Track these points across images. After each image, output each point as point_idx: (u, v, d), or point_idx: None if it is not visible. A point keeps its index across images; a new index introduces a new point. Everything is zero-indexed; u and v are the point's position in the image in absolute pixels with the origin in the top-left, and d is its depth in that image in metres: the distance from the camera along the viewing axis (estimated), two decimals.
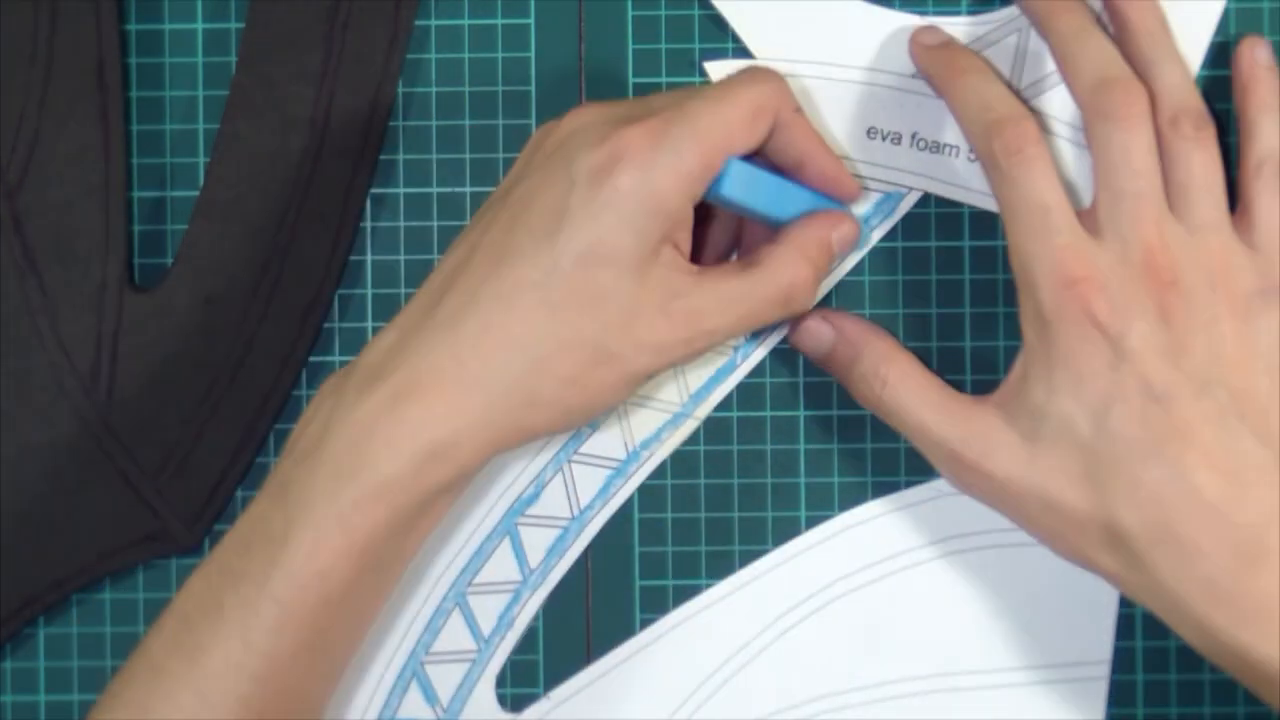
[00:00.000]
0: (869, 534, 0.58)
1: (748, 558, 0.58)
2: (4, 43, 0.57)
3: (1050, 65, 0.56)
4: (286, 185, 0.57)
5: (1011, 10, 0.57)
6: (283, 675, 0.50)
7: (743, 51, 0.57)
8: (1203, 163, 0.52)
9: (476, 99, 0.58)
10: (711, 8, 0.57)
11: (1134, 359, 0.51)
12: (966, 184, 0.57)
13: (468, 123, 0.58)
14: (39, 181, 0.57)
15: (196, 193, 0.57)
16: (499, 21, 0.58)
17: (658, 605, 0.58)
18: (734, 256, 0.57)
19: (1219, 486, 0.50)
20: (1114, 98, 0.52)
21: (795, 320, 0.56)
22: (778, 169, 0.54)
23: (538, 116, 0.58)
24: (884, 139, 0.57)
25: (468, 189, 0.58)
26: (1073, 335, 0.51)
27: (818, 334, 0.56)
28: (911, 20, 0.57)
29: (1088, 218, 0.52)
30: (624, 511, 0.58)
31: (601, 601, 0.58)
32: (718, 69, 0.57)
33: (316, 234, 0.57)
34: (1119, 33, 0.55)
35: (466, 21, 0.58)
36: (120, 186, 0.57)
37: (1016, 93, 0.55)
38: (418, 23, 0.57)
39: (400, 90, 0.57)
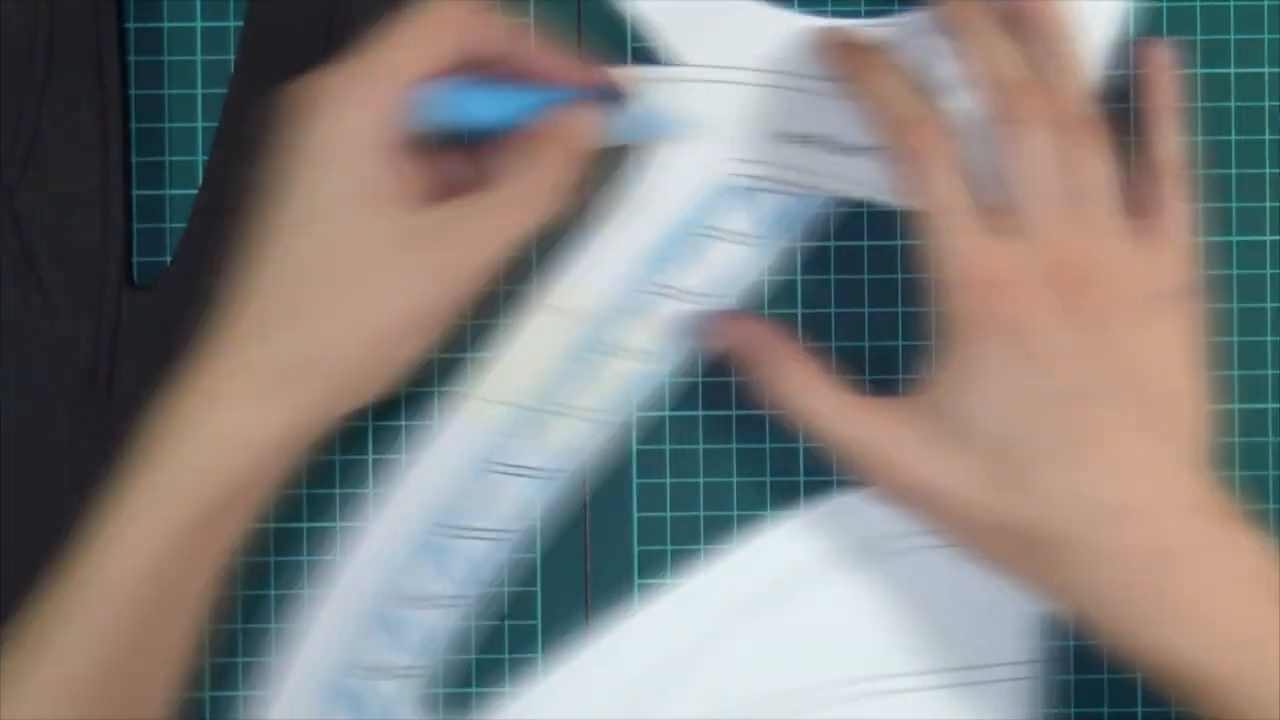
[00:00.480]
0: (798, 541, 0.57)
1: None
2: (3, 41, 0.57)
3: (958, 66, 0.55)
4: None
5: (920, 12, 0.56)
6: (100, 679, 0.50)
7: (660, 59, 0.57)
8: (1094, 166, 0.52)
9: None
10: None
11: (1044, 360, 0.50)
12: (877, 185, 0.56)
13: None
14: (38, 180, 0.57)
15: (195, 191, 0.57)
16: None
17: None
18: None
19: (1124, 488, 0.50)
20: (1018, 100, 0.52)
21: (699, 319, 0.57)
22: (512, 82, 0.53)
23: None
24: (795, 142, 0.57)
25: None
26: (982, 336, 0.51)
27: (720, 335, 0.56)
28: (820, 23, 0.57)
29: (995, 218, 0.52)
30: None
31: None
32: (642, 74, 0.57)
33: None
34: (1016, 34, 0.54)
35: None
36: (119, 185, 0.57)
37: (925, 92, 0.55)
38: None
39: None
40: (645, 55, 0.58)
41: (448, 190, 0.53)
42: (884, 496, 0.54)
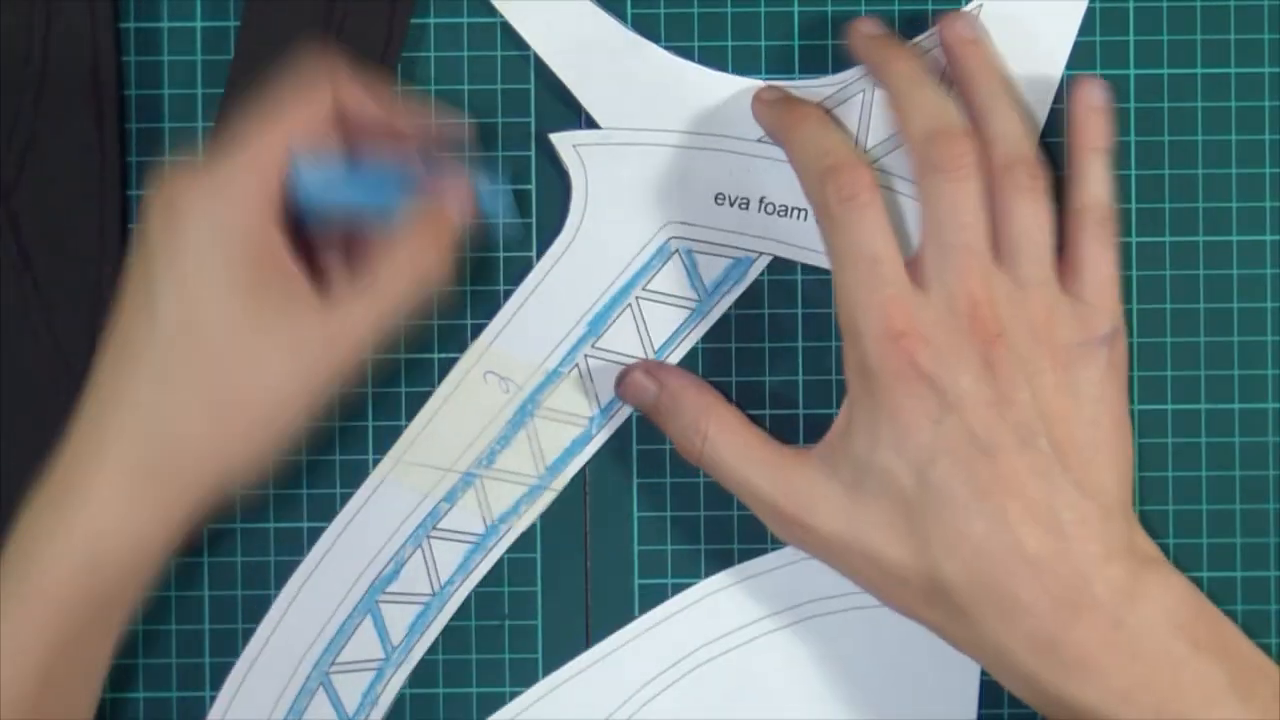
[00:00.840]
0: (728, 600, 0.57)
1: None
2: (0, 42, 0.57)
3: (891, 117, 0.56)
4: None
5: (856, 71, 0.57)
6: None
7: (593, 123, 0.57)
8: (1034, 214, 0.52)
9: (476, 97, 0.58)
10: (712, 5, 0.57)
11: (958, 411, 0.51)
12: (815, 247, 0.57)
13: (466, 121, 0.57)
14: (34, 180, 0.57)
15: None
16: (498, 20, 0.57)
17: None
18: None
19: (1041, 538, 0.50)
20: (944, 149, 0.52)
21: (621, 373, 0.57)
22: (383, 152, 0.53)
23: (537, 115, 0.58)
24: (732, 204, 0.57)
25: None
26: (897, 387, 0.51)
27: (641, 387, 0.56)
28: (754, 84, 0.57)
29: (914, 268, 0.52)
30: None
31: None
32: (562, 140, 0.57)
33: None
34: (957, 80, 0.55)
35: (466, 20, 0.58)
36: (116, 185, 0.57)
37: (855, 142, 0.55)
38: (417, 20, 0.57)
39: (400, 88, 0.58)
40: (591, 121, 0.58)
41: (321, 271, 0.53)
42: (799, 547, 0.54)
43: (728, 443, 0.54)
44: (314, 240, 0.53)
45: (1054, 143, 0.56)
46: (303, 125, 0.51)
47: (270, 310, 0.50)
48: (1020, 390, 0.51)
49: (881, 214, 0.52)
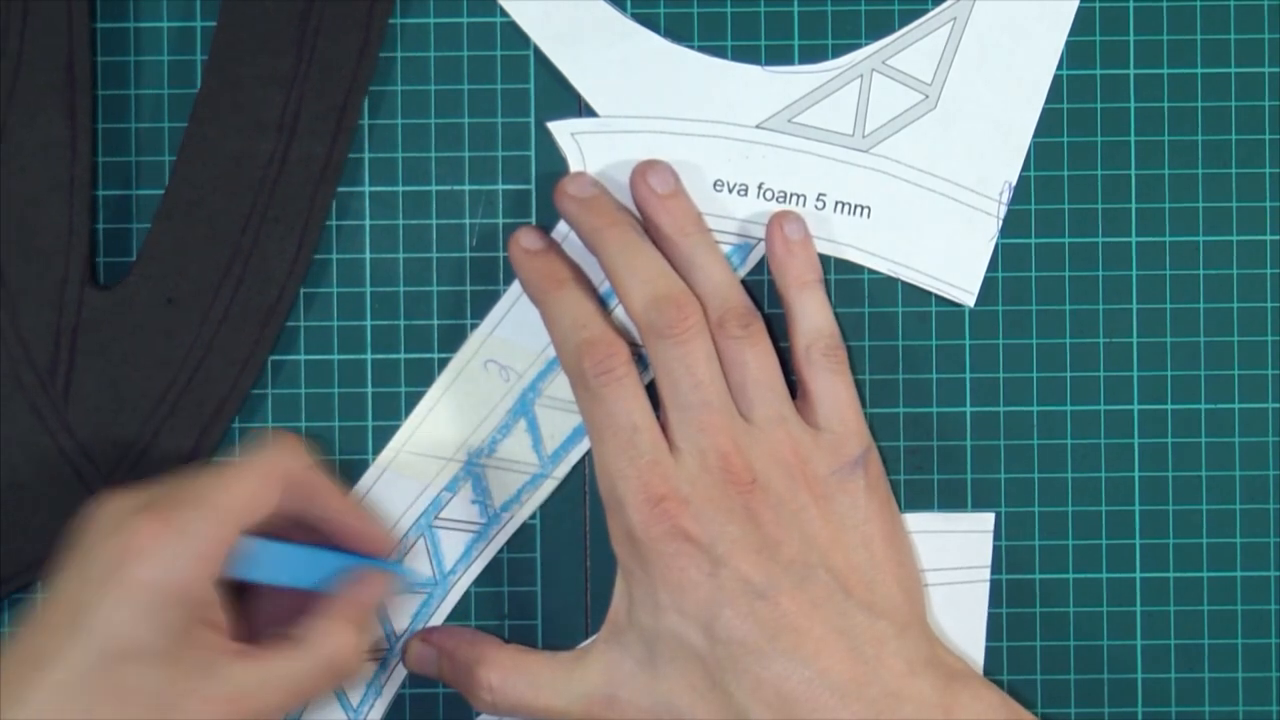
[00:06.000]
0: None
1: None
2: None
3: (896, 110, 0.57)
4: (251, 188, 0.57)
5: (853, 56, 0.57)
6: None
7: (591, 113, 0.57)
8: (756, 358, 0.53)
9: (476, 97, 0.58)
10: (712, 5, 0.58)
11: (730, 562, 0.51)
12: (815, 232, 0.57)
13: (466, 120, 0.58)
14: (4, 175, 0.56)
15: (162, 192, 0.57)
16: (498, 20, 0.57)
17: None
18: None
19: (842, 667, 0.51)
20: (667, 314, 0.53)
21: (403, 647, 0.57)
22: (307, 530, 0.54)
23: (536, 114, 0.58)
24: (731, 190, 0.57)
25: (466, 186, 0.58)
26: (667, 552, 0.51)
27: (422, 657, 0.56)
28: (753, 70, 0.57)
29: (665, 432, 0.53)
30: None
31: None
32: (560, 129, 0.57)
33: (280, 238, 0.57)
34: (656, 237, 0.55)
35: (465, 20, 0.58)
36: (86, 183, 0.56)
37: (608, 313, 0.56)
38: (417, 20, 0.57)
39: (400, 88, 0.57)
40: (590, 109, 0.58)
41: (247, 616, 0.53)
42: None
43: (514, 683, 0.54)
44: (246, 587, 0.53)
45: (1049, 142, 0.57)
46: (259, 499, 0.51)
47: (192, 658, 0.49)
48: (787, 529, 0.52)
49: (637, 384, 0.53)
